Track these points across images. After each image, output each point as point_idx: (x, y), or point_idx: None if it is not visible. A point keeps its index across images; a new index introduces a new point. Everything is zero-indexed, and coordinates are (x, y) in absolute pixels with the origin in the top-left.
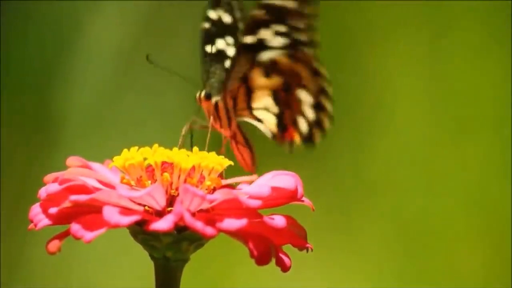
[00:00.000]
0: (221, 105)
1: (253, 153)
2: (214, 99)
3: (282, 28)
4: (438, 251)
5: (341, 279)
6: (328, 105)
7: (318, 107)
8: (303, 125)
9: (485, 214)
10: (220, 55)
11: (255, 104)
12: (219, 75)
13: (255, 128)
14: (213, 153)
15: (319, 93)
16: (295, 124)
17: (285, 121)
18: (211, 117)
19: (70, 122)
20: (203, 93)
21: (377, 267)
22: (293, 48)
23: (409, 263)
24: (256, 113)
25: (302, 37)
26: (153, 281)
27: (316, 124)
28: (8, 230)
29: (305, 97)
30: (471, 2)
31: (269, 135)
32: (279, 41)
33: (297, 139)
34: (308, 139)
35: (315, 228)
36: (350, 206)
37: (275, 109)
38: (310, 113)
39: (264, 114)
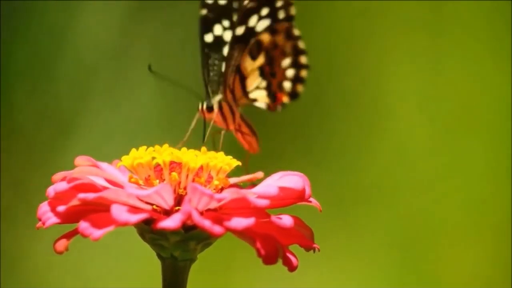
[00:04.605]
0: (225, 105)
1: (258, 137)
2: (216, 106)
3: (265, 11)
4: (438, 252)
5: (340, 281)
6: (303, 60)
7: (295, 65)
8: (287, 85)
9: (485, 216)
10: (218, 42)
11: (249, 88)
12: (218, 67)
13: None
14: (221, 153)
15: (295, 53)
16: (281, 88)
17: (273, 90)
18: (219, 122)
19: (67, 121)
20: (204, 106)
21: (377, 269)
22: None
23: (409, 265)
24: (251, 95)
25: (281, 15)
26: (160, 281)
27: (296, 80)
28: (7, 228)
29: (286, 63)
30: (470, 1)
31: (264, 107)
32: (263, 24)
33: (285, 99)
34: (293, 95)
35: (313, 230)
36: (349, 208)
37: (263, 83)
38: (291, 73)
39: (257, 92)
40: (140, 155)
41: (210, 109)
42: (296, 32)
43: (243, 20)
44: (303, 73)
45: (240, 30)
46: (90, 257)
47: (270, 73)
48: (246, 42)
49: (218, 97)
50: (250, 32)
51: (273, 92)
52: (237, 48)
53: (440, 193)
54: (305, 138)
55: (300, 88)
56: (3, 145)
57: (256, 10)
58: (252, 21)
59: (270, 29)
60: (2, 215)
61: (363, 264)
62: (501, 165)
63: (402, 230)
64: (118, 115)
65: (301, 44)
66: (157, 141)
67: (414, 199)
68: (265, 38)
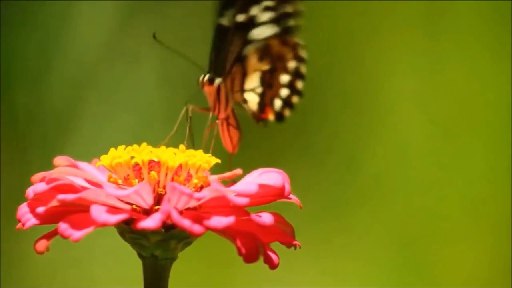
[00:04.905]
0: (223, 89)
1: (242, 135)
2: (217, 82)
3: (270, 2)
4: (438, 252)
5: (340, 281)
6: (300, 86)
7: (291, 87)
8: (277, 104)
9: (485, 216)
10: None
11: (246, 86)
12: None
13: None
14: (200, 151)
15: (295, 74)
16: (271, 103)
17: (265, 100)
18: (212, 101)
19: (67, 121)
20: (206, 77)
21: (377, 269)
22: (278, 21)
23: (409, 265)
24: (245, 94)
25: (288, 9)
26: (141, 280)
27: (286, 103)
28: (7, 227)
29: (285, 79)
30: (470, 1)
31: (249, 114)
32: (267, 16)
33: (271, 117)
34: (279, 116)
35: (312, 229)
36: (349, 208)
37: (260, 89)
38: (284, 92)
39: (250, 95)
40: (119, 154)
41: (211, 81)
42: (303, 54)
43: (244, 8)
44: (295, 98)
45: (241, 17)
46: (91, 256)
47: (268, 83)
48: (247, 30)
49: (219, 79)
50: (253, 21)
51: (264, 103)
52: (237, 35)
53: (440, 193)
54: (305, 138)
55: (287, 112)
56: (3, 145)
57: (258, 0)
58: (254, 10)
59: (281, 39)
60: (2, 215)
61: (363, 264)
62: (501, 165)
63: (402, 230)
64: (118, 115)
65: (303, 68)
66: (157, 141)
67: (414, 199)
68: (275, 44)
